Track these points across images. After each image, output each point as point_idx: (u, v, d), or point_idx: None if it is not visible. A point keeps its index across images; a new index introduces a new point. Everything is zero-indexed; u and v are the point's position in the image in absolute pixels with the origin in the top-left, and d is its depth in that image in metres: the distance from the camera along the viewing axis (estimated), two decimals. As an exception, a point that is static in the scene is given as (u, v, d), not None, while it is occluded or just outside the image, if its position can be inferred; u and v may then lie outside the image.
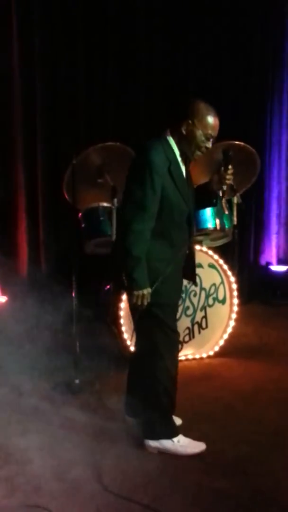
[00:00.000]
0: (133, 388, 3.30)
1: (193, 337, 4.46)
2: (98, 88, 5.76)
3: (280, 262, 6.61)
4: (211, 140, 2.92)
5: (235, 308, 4.47)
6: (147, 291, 2.86)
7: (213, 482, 2.83)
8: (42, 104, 5.67)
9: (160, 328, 3.01)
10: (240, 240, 5.04)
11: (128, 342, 4.26)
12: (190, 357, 4.45)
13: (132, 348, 4.27)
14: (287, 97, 6.40)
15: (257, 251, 6.65)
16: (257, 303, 5.97)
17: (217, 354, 4.47)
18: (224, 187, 3.08)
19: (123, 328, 4.26)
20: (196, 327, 4.47)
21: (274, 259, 6.61)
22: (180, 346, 4.38)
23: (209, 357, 4.46)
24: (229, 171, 3.05)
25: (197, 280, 4.40)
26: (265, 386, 3.94)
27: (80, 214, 4.63)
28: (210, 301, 4.48)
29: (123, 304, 4.24)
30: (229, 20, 6.01)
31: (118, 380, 4.09)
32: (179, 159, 2.96)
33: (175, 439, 3.06)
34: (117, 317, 4.27)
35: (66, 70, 5.69)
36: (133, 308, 2.99)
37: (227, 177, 3.05)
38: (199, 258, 4.38)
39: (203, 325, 4.48)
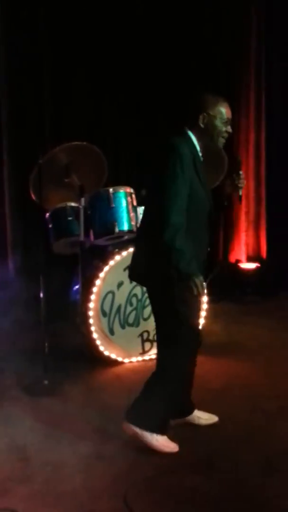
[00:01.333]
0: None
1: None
2: (64, 88, 5.73)
3: (249, 259, 6.66)
4: (229, 123, 3.01)
5: (205, 306, 4.48)
6: (199, 278, 2.84)
7: (183, 479, 2.84)
8: (8, 103, 5.61)
9: (182, 325, 3.00)
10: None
11: (98, 342, 4.25)
12: (160, 355, 4.44)
13: (101, 348, 4.27)
14: (254, 96, 6.44)
15: (227, 249, 6.69)
16: (227, 300, 5.99)
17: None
18: (240, 192, 3.19)
19: (93, 328, 4.24)
20: (165, 325, 4.46)
21: (243, 257, 6.65)
22: (150, 345, 4.42)
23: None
24: (241, 175, 3.16)
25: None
26: (234, 383, 3.95)
27: (47, 214, 4.59)
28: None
29: (92, 304, 4.23)
30: (195, 18, 6.02)
31: (87, 381, 4.08)
32: (200, 154, 3.02)
33: (154, 434, 3.06)
34: (86, 317, 4.25)
35: (32, 69, 5.64)
36: (185, 300, 2.94)
37: (240, 181, 3.15)
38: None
39: (173, 323, 4.48)
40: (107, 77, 5.81)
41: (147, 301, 4.39)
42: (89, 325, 4.24)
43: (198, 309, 3.16)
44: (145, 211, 3.18)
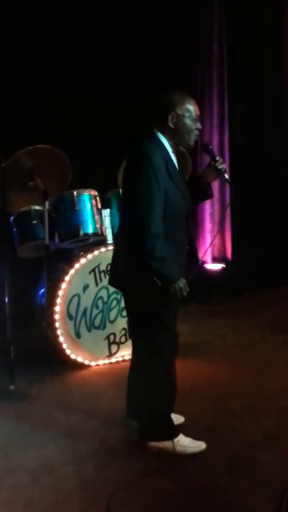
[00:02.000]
0: (133, 390, 3.28)
1: (129, 337, 4.45)
2: (27, 90, 5.68)
3: (215, 260, 6.71)
4: (198, 120, 3.01)
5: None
6: (182, 282, 2.87)
7: (150, 480, 2.84)
8: None
9: (160, 328, 3.00)
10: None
11: (64, 346, 4.23)
12: (127, 357, 4.44)
13: (68, 352, 4.26)
14: (217, 99, 6.50)
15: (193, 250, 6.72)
16: (193, 301, 6.02)
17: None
18: (226, 176, 3.17)
19: (59, 332, 4.22)
20: (132, 327, 4.47)
21: (209, 258, 6.70)
22: (116, 347, 4.42)
23: (146, 357, 4.46)
24: (219, 159, 3.14)
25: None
26: (201, 384, 3.98)
27: (11, 218, 4.56)
28: (146, 301, 4.49)
29: (58, 308, 4.21)
30: (157, 22, 6.04)
31: (54, 385, 4.06)
32: (173, 155, 3.00)
33: (175, 440, 3.08)
34: (52, 321, 4.23)
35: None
36: (164, 305, 2.96)
37: (221, 165, 3.14)
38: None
39: (139, 325, 4.48)
40: (70, 79, 5.78)
41: (113, 304, 4.40)
42: (55, 329, 4.22)
43: (175, 313, 3.15)
44: (121, 218, 3.18)
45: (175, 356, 3.15)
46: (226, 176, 3.18)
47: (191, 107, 2.97)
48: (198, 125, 3.02)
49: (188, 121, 2.96)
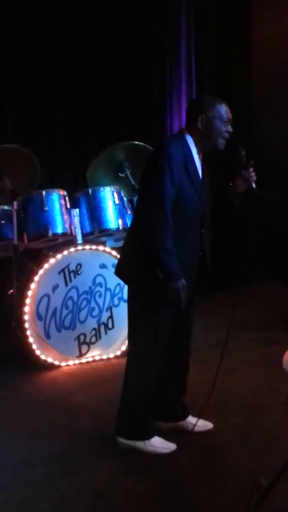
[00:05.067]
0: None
1: (100, 338, 4.45)
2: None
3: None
4: (229, 123, 2.97)
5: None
6: (182, 283, 2.82)
7: (121, 481, 2.84)
8: None
9: (149, 331, 2.97)
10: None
11: (34, 346, 4.20)
12: (97, 358, 4.44)
13: (37, 352, 4.23)
14: (186, 98, 6.51)
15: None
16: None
17: (124, 354, 4.46)
18: (254, 185, 3.08)
19: (28, 332, 4.19)
20: (102, 327, 4.46)
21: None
22: (87, 347, 4.40)
23: (116, 357, 4.46)
24: (251, 168, 3.07)
25: (102, 280, 4.43)
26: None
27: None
28: (116, 301, 4.49)
29: (27, 308, 4.18)
30: (125, 22, 6.03)
31: (23, 385, 4.03)
32: (196, 157, 2.97)
33: (146, 440, 3.07)
34: (21, 322, 4.20)
35: None
36: (169, 304, 2.89)
37: (252, 174, 3.07)
38: (103, 258, 4.41)
39: (110, 325, 4.48)
40: (39, 77, 5.73)
41: (83, 304, 4.39)
42: (24, 329, 4.19)
43: (170, 317, 3.04)
44: (135, 209, 3.18)
45: (159, 360, 3.06)
46: (254, 185, 3.08)
47: (222, 110, 2.94)
48: (229, 128, 2.97)
49: (218, 124, 2.92)
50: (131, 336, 3.14)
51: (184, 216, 2.89)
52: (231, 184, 3.13)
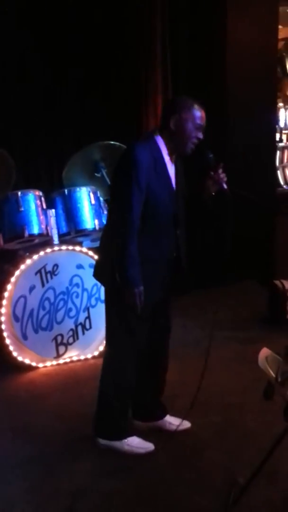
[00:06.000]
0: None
1: (77, 338, 4.45)
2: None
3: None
4: (201, 130, 2.94)
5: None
6: (139, 291, 2.82)
7: (98, 481, 2.85)
8: None
9: (126, 332, 2.98)
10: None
11: (10, 348, 4.18)
12: (75, 358, 4.43)
13: (14, 354, 4.21)
14: (162, 99, 6.51)
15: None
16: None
17: (102, 354, 4.47)
18: (225, 186, 3.04)
19: (5, 334, 4.17)
20: (80, 328, 4.46)
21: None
22: (64, 348, 4.39)
23: (94, 357, 4.45)
24: (221, 170, 3.05)
25: (79, 281, 4.42)
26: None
27: None
28: (93, 301, 4.48)
29: (4, 309, 4.16)
30: (100, 22, 6.01)
31: (0, 388, 4.01)
32: (167, 158, 2.94)
33: (123, 439, 3.08)
34: (-2, 323, 4.18)
35: None
36: (127, 309, 2.89)
37: (222, 176, 3.04)
38: (79, 259, 4.40)
39: (87, 326, 4.48)
40: (13, 75, 5.69)
41: (60, 304, 4.37)
42: (1, 331, 4.16)
43: (146, 316, 3.03)
44: (107, 213, 3.18)
45: (136, 359, 3.07)
46: (225, 187, 3.05)
47: (197, 114, 2.92)
48: (199, 135, 2.94)
49: (189, 126, 2.90)
50: (108, 337, 3.14)
51: (156, 219, 2.89)
52: (201, 186, 3.11)
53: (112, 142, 4.59)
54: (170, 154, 2.98)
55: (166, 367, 3.32)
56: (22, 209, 4.28)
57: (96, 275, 3.17)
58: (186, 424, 3.32)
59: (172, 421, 3.31)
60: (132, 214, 2.79)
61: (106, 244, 3.02)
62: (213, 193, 3.10)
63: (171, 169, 2.99)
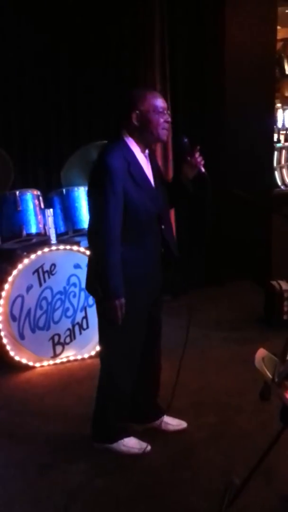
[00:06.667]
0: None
1: (74, 338, 4.45)
2: None
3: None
4: (165, 112, 2.86)
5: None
6: (120, 302, 2.77)
7: (94, 481, 2.85)
8: None
9: (120, 331, 2.91)
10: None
11: (8, 347, 4.19)
12: (72, 358, 4.44)
13: (11, 353, 4.21)
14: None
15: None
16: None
17: (99, 355, 4.48)
18: (202, 169, 2.99)
19: (2, 333, 4.17)
20: (77, 328, 4.46)
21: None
22: (61, 348, 4.40)
23: (91, 357, 4.45)
24: (197, 154, 2.99)
25: (76, 280, 4.42)
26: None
27: None
28: (90, 301, 4.48)
29: (1, 309, 4.16)
30: (99, 22, 6.01)
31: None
32: (140, 157, 2.88)
33: (120, 440, 3.09)
34: (-5, 322, 4.18)
35: None
36: (107, 321, 2.87)
37: (199, 159, 2.98)
38: (77, 258, 4.40)
39: (84, 325, 4.48)
40: (11, 75, 5.68)
41: (58, 304, 4.38)
42: (-2, 330, 4.17)
43: (140, 320, 3.01)
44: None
45: (133, 362, 3.06)
46: (203, 170, 3.00)
47: (155, 101, 2.83)
48: (166, 118, 2.86)
49: (153, 116, 2.81)
50: (102, 340, 3.09)
51: (137, 221, 2.83)
52: (179, 171, 3.07)
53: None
54: (143, 151, 2.91)
55: (159, 368, 3.32)
56: (20, 208, 4.29)
57: (86, 287, 3.08)
58: (183, 424, 3.33)
59: (169, 421, 3.32)
60: (109, 224, 2.73)
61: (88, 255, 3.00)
62: (191, 178, 3.04)
63: (147, 167, 2.93)
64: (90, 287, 2.99)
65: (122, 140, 2.87)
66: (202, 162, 3.00)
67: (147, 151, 2.95)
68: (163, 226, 2.98)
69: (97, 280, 2.81)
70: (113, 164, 2.74)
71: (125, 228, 2.79)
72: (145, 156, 2.94)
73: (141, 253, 2.88)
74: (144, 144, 2.91)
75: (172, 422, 3.31)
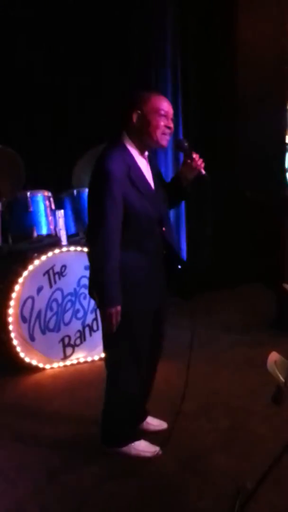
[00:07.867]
0: None
1: (85, 340, 4.44)
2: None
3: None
4: (168, 116, 2.80)
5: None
6: (116, 310, 2.74)
7: (105, 484, 2.83)
8: None
9: (126, 337, 2.89)
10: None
11: (18, 349, 4.18)
12: (82, 360, 4.43)
13: (22, 355, 4.21)
14: (171, 99, 6.51)
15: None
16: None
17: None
18: (203, 171, 2.96)
19: (12, 335, 4.16)
20: (87, 329, 4.45)
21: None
22: (71, 350, 4.39)
23: (101, 359, 4.44)
24: (195, 156, 2.94)
25: (87, 282, 4.37)
26: (155, 385, 3.96)
27: None
28: (101, 303, 4.47)
29: (12, 310, 4.15)
30: (110, 23, 6.01)
31: (7, 388, 4.01)
32: (140, 160, 2.83)
33: (131, 443, 3.07)
34: (5, 324, 4.17)
35: None
36: (103, 327, 2.86)
37: (199, 162, 2.94)
38: (87, 260, 4.38)
39: (94, 327, 4.47)
40: (19, 77, 5.69)
41: (68, 306, 4.37)
42: (8, 332, 4.16)
43: (147, 324, 2.98)
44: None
45: (141, 365, 3.03)
46: (203, 172, 2.96)
47: (158, 103, 2.76)
48: (168, 123, 2.78)
49: (154, 118, 2.74)
50: (105, 346, 3.07)
51: (138, 224, 2.78)
52: (179, 174, 3.02)
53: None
54: (142, 153, 2.87)
55: (155, 372, 3.29)
56: (31, 209, 4.29)
57: (88, 291, 3.06)
58: (163, 425, 3.32)
59: (150, 421, 3.32)
60: (107, 230, 2.69)
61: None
62: (190, 180, 2.99)
63: (146, 170, 2.88)
64: (90, 292, 2.98)
65: (122, 143, 2.81)
66: (203, 165, 2.98)
67: (146, 153, 2.91)
68: (164, 229, 2.95)
69: (94, 287, 2.79)
70: (113, 168, 2.68)
71: (125, 232, 2.75)
72: (145, 158, 2.90)
73: (142, 256, 2.84)
74: (143, 147, 2.85)
75: (152, 422, 3.32)
